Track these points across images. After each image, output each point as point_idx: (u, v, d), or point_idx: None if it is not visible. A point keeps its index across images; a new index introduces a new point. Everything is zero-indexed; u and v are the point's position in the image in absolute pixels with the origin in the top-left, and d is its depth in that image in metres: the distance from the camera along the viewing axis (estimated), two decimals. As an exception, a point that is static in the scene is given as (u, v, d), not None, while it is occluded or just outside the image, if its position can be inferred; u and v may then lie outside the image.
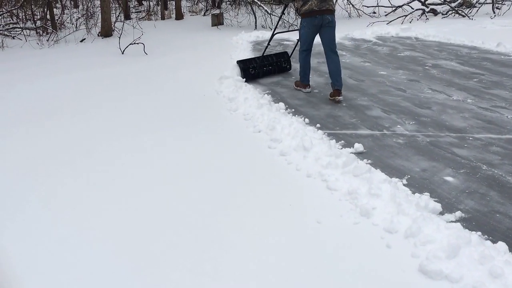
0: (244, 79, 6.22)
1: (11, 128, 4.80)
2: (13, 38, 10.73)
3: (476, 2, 12.55)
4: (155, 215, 3.08)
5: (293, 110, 5.07)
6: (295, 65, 7.02)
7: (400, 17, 11.86)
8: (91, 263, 2.60)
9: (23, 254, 2.70)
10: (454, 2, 12.54)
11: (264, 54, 6.75)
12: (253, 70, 6.55)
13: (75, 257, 2.65)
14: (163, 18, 15.03)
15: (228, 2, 16.67)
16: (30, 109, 5.39)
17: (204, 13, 15.55)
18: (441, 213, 2.94)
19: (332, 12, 5.33)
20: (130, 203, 3.23)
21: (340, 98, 5.33)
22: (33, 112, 5.30)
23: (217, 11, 13.82)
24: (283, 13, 6.62)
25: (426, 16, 12.09)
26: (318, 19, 5.27)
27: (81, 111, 5.30)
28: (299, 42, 5.78)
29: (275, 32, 6.58)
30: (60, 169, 3.81)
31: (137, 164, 3.87)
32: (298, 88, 5.91)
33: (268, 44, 6.71)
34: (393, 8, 13.29)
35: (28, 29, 11.48)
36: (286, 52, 7.21)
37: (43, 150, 4.23)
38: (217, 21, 12.66)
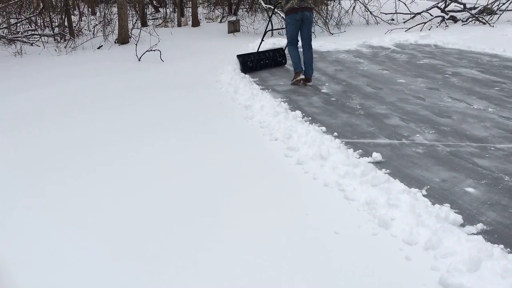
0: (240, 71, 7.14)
1: (13, 129, 4.88)
2: (32, 45, 10.85)
3: (497, 9, 12.39)
4: (156, 215, 3.09)
5: (310, 118, 5.02)
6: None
7: (419, 24, 11.75)
8: (90, 263, 2.61)
9: (21, 254, 2.72)
10: (474, 9, 12.39)
11: (261, 50, 7.71)
12: (251, 63, 7.37)
13: (75, 257, 2.67)
14: (179, 25, 15.12)
15: (245, 9, 16.71)
16: (36, 112, 5.48)
17: (221, 20, 15.59)
18: (462, 225, 2.87)
19: (310, 9, 6.37)
20: (129, 203, 3.26)
21: (310, 84, 6.47)
22: (38, 114, 5.38)
23: (233, 18, 13.85)
24: (273, 12, 8.34)
25: (446, 23, 11.95)
26: (299, 15, 6.28)
27: (88, 112, 5.39)
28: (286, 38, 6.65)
29: (267, 30, 7.69)
30: (60, 169, 3.85)
31: (137, 164, 3.91)
32: (295, 81, 6.41)
33: (262, 40, 7.86)
34: (412, 15, 13.18)
35: (46, 36, 11.62)
36: (282, 48, 8.03)
37: (44, 150, 4.29)
38: (234, 28, 12.68)
